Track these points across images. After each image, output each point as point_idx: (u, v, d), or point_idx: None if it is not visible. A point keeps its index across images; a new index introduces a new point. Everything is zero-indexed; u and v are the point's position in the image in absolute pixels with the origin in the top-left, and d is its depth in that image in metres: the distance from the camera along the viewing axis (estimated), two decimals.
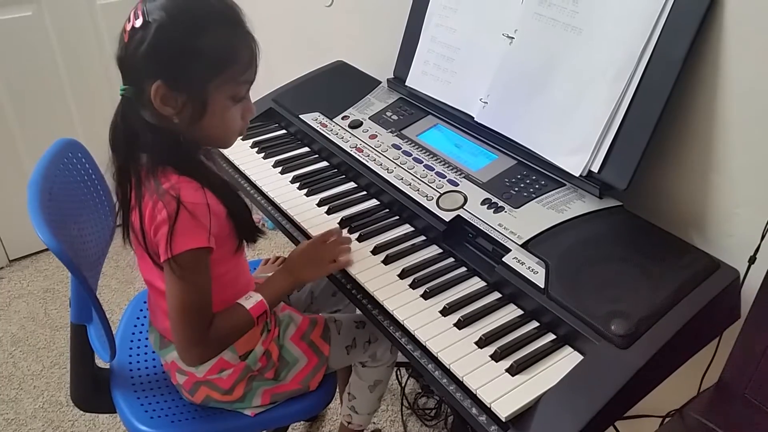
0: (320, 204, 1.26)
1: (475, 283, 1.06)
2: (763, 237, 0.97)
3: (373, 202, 1.27)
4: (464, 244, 1.12)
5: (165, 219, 0.92)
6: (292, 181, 1.33)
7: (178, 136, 0.96)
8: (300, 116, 1.48)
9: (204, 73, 0.92)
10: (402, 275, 1.07)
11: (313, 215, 1.23)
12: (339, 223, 1.20)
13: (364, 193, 1.29)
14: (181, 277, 0.94)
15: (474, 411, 0.87)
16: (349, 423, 1.45)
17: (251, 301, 1.04)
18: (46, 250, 2.37)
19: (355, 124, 1.42)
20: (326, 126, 1.43)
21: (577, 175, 1.11)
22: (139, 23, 0.89)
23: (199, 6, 0.92)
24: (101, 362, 1.18)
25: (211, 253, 0.97)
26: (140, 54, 0.89)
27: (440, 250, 1.13)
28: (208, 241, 0.94)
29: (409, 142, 1.34)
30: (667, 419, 1.06)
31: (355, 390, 1.40)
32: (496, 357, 0.91)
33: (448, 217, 1.13)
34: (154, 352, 1.25)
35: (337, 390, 1.31)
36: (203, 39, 0.91)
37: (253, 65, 0.97)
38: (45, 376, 1.94)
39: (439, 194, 1.18)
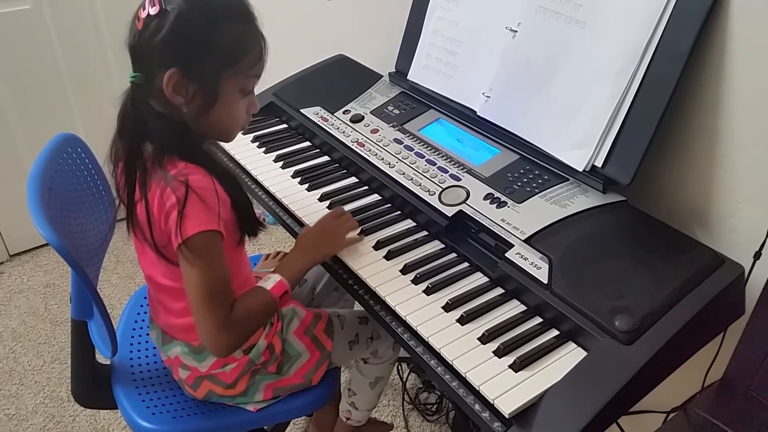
0: (322, 199, 1.25)
1: (478, 279, 1.05)
2: None
3: (375, 197, 1.26)
4: (467, 240, 1.11)
5: (174, 204, 0.92)
6: (294, 176, 1.33)
7: (186, 125, 0.96)
8: (301, 110, 1.47)
9: (218, 63, 0.94)
10: (404, 271, 1.06)
11: (314, 210, 1.22)
12: None
13: (366, 188, 1.29)
14: (196, 263, 0.93)
15: (477, 407, 0.86)
16: (348, 419, 1.45)
17: (270, 281, 1.04)
18: (46, 245, 2.37)
19: (357, 119, 1.41)
20: (327, 120, 1.42)
21: (581, 169, 1.11)
22: (155, 11, 0.89)
23: None
24: (102, 358, 1.18)
25: (222, 239, 0.96)
26: (156, 41, 0.90)
27: (442, 246, 1.12)
28: (218, 225, 0.94)
29: (411, 137, 1.33)
30: (671, 415, 1.06)
31: (355, 386, 1.40)
32: (500, 353, 0.90)
33: (450, 212, 1.12)
34: (155, 347, 1.24)
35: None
36: (219, 30, 0.92)
37: (262, 60, 0.99)
38: (46, 371, 1.93)
39: (441, 189, 1.17)
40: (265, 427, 1.25)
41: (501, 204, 1.11)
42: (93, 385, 1.21)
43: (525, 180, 1.15)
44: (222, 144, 1.32)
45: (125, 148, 0.97)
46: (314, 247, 1.10)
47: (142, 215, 0.96)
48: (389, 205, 1.24)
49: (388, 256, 1.09)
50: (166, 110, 0.95)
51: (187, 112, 0.95)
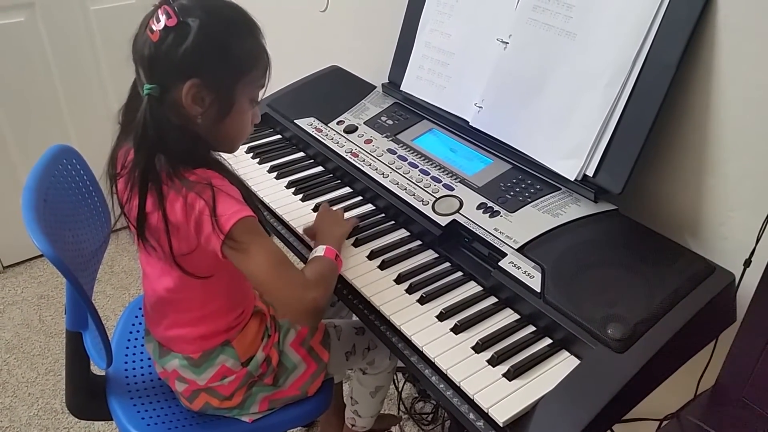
0: (316, 209, 1.26)
1: (471, 288, 1.06)
2: (758, 240, 0.97)
3: (369, 207, 1.27)
4: (460, 249, 1.12)
5: (204, 207, 0.92)
6: (288, 186, 1.33)
7: (199, 136, 0.97)
8: (295, 121, 1.48)
9: (235, 73, 0.96)
10: (398, 280, 1.07)
11: (308, 220, 1.22)
12: None
13: (360, 198, 1.29)
14: (249, 247, 0.93)
15: (471, 416, 0.86)
16: (353, 425, 1.47)
17: (318, 251, 1.06)
18: (41, 256, 2.37)
19: (350, 129, 1.42)
20: (321, 131, 1.43)
21: (572, 179, 1.11)
22: (172, 23, 0.89)
23: (229, 10, 0.97)
24: (97, 369, 1.18)
25: (259, 221, 0.97)
26: (180, 53, 0.90)
27: (436, 255, 1.13)
28: (251, 211, 0.95)
29: (405, 147, 1.34)
30: (664, 423, 1.06)
31: (357, 396, 1.41)
32: (493, 362, 0.91)
33: (443, 221, 1.13)
34: (150, 357, 1.24)
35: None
36: (237, 40, 0.95)
37: (269, 69, 1.01)
38: (40, 383, 1.93)
39: (434, 199, 1.18)
40: None
41: (494, 213, 1.12)
42: (88, 397, 1.21)
43: (517, 189, 1.16)
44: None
45: (138, 161, 0.95)
46: (333, 234, 1.13)
47: (159, 226, 0.96)
48: (383, 214, 1.24)
49: (382, 266, 1.10)
50: (181, 121, 0.95)
51: (201, 123, 0.96)
